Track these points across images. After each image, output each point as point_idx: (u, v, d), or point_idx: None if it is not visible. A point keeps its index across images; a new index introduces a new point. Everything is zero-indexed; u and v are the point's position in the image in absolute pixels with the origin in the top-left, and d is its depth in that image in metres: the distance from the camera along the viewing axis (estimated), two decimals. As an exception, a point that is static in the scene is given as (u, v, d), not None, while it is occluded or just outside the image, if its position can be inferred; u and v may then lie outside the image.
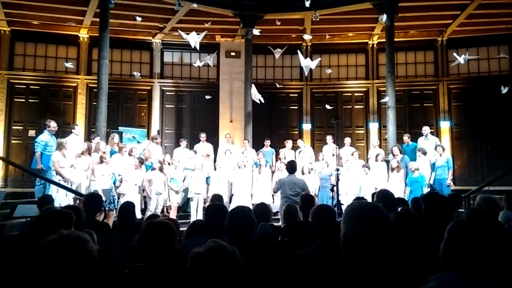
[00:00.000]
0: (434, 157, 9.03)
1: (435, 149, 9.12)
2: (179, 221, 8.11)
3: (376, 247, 1.25)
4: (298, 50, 10.36)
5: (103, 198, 7.00)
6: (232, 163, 9.52)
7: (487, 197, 3.93)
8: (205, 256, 1.55)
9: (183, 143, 9.97)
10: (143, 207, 8.10)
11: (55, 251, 1.22)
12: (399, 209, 3.50)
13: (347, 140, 10.48)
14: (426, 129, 9.98)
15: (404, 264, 1.73)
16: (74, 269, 1.21)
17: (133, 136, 9.99)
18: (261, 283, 2.13)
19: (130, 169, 8.01)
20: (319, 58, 10.68)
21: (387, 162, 9.25)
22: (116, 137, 8.98)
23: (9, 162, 10.10)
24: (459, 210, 5.16)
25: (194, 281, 1.51)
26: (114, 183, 7.91)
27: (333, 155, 8.75)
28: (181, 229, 7.42)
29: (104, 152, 7.86)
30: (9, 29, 11.10)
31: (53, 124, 8.04)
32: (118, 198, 7.68)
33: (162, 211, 8.67)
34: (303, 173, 8.93)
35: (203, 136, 10.29)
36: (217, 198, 5.36)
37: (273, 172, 9.65)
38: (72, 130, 8.59)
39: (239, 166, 9.08)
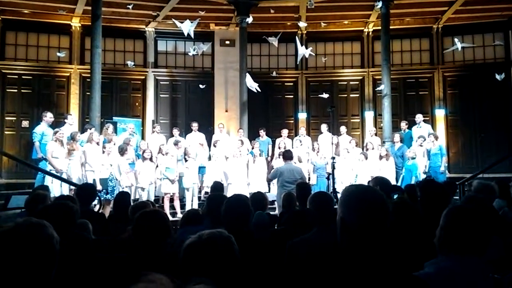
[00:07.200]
0: (428, 144, 9.09)
1: (428, 136, 9.20)
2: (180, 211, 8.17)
3: (373, 231, 1.24)
4: (296, 37, 10.26)
5: (99, 188, 6.97)
6: (226, 153, 9.48)
7: (485, 182, 3.93)
8: (196, 245, 1.54)
9: (175, 132, 9.92)
10: (137, 197, 8.07)
11: (10, 239, 1.22)
12: (395, 196, 3.52)
13: (343, 129, 10.44)
14: (419, 117, 10.11)
15: (400, 249, 1.72)
16: (31, 255, 1.20)
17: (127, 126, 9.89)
18: (256, 271, 2.12)
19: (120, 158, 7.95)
20: (311, 48, 10.56)
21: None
22: (110, 128, 8.91)
23: (3, 153, 10.01)
24: (454, 197, 5.20)
25: (187, 269, 1.50)
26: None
27: (333, 144, 8.74)
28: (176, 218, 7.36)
29: (97, 143, 7.80)
30: (-1, 18, 10.93)
31: (49, 115, 8.10)
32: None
33: (157, 201, 8.64)
34: (300, 162, 8.93)
35: (195, 125, 10.15)
36: (217, 187, 5.33)
37: (269, 162, 9.64)
38: (65, 120, 8.55)
39: (233, 155, 9.04)
